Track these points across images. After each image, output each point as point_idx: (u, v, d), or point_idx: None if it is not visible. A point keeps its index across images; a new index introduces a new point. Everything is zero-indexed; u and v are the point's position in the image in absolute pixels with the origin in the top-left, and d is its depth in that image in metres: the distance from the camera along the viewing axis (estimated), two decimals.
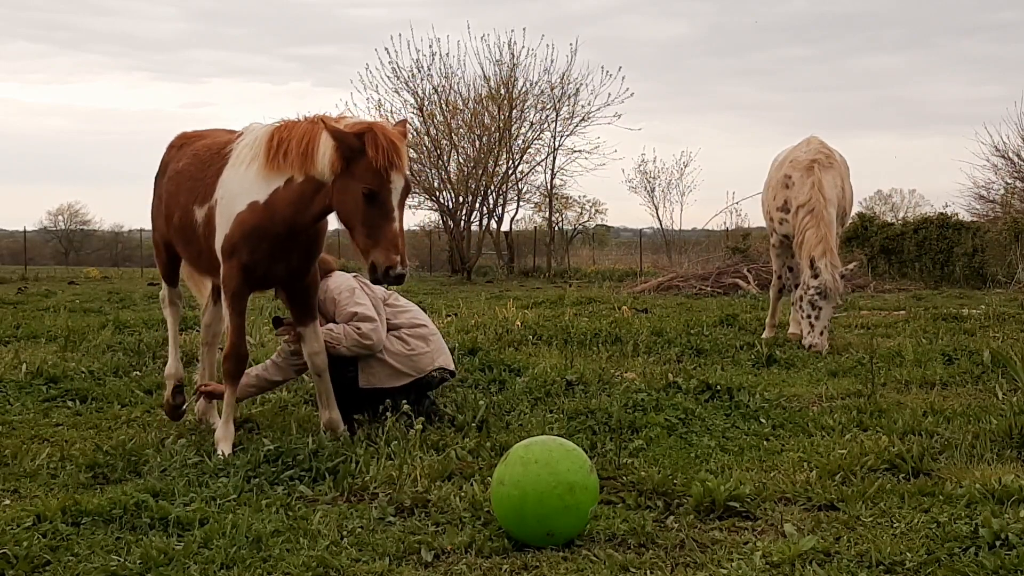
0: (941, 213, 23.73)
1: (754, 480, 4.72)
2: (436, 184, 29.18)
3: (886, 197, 53.70)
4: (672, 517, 4.22)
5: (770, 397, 6.63)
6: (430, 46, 30.79)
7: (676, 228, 40.61)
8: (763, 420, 6.02)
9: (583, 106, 29.77)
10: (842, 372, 7.91)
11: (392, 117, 26.69)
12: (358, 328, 5.83)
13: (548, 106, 29.42)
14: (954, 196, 76.46)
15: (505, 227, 32.44)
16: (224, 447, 5.29)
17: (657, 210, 40.66)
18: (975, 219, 25.11)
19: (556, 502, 3.86)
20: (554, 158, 30.77)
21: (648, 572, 3.65)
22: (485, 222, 30.56)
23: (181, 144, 6.16)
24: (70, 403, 6.92)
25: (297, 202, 5.17)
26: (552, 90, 29.10)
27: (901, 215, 41.69)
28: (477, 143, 29.07)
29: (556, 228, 35.24)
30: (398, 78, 28.52)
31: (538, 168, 31.44)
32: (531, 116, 29.55)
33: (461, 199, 29.29)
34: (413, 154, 28.78)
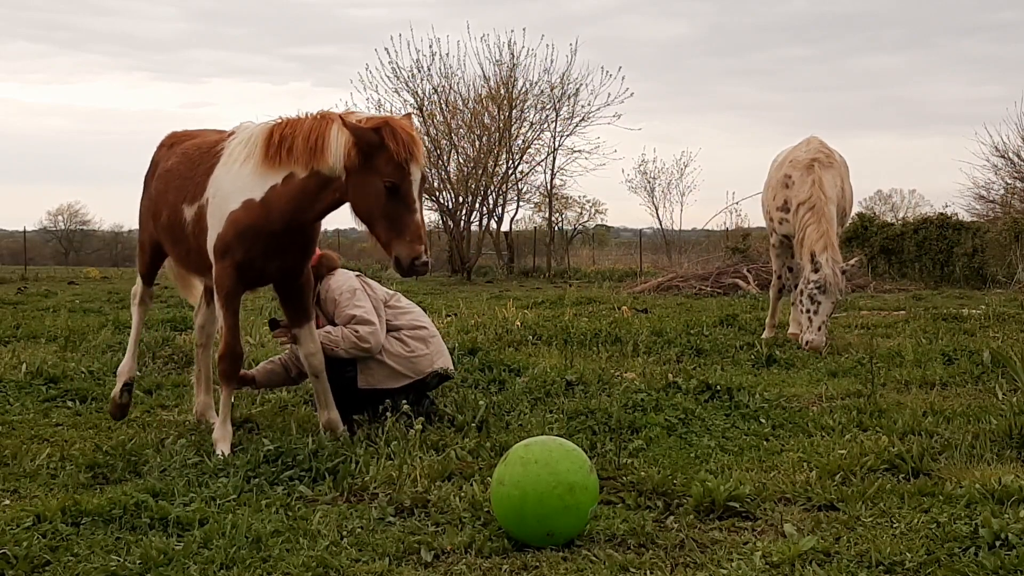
0: (941, 213, 23.70)
1: (754, 480, 4.72)
2: (436, 184, 29.13)
3: (886, 197, 53.70)
4: (672, 517, 4.22)
5: (770, 397, 6.63)
6: (430, 46, 30.73)
7: (676, 228, 40.61)
8: (763, 420, 6.02)
9: (583, 106, 29.73)
10: (842, 372, 7.91)
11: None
12: (356, 331, 5.83)
13: (548, 106, 29.39)
14: (954, 196, 76.46)
15: (505, 227, 32.42)
16: (223, 447, 5.29)
17: (657, 210, 40.67)
18: (975, 219, 25.10)
19: (556, 502, 3.86)
20: (554, 158, 30.75)
21: (648, 572, 3.65)
22: (485, 222, 30.54)
23: (171, 143, 6.15)
24: (70, 403, 6.92)
25: (298, 198, 5.18)
26: (552, 90, 29.06)
27: (901, 215, 41.67)
28: (477, 143, 29.04)
29: (556, 228, 35.20)
30: (398, 78, 28.49)
31: (538, 168, 31.40)
32: (531, 116, 29.52)
33: (461, 199, 29.26)
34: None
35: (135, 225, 6.82)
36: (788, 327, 10.27)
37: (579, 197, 37.94)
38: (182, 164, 5.80)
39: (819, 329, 9.20)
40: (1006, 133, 41.33)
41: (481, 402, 6.16)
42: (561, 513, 3.88)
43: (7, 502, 4.49)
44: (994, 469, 4.82)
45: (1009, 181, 26.69)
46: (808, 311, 9.29)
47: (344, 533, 4.02)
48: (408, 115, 5.33)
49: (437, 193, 29.28)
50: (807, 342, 9.15)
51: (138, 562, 3.65)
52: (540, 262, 32.65)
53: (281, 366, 6.26)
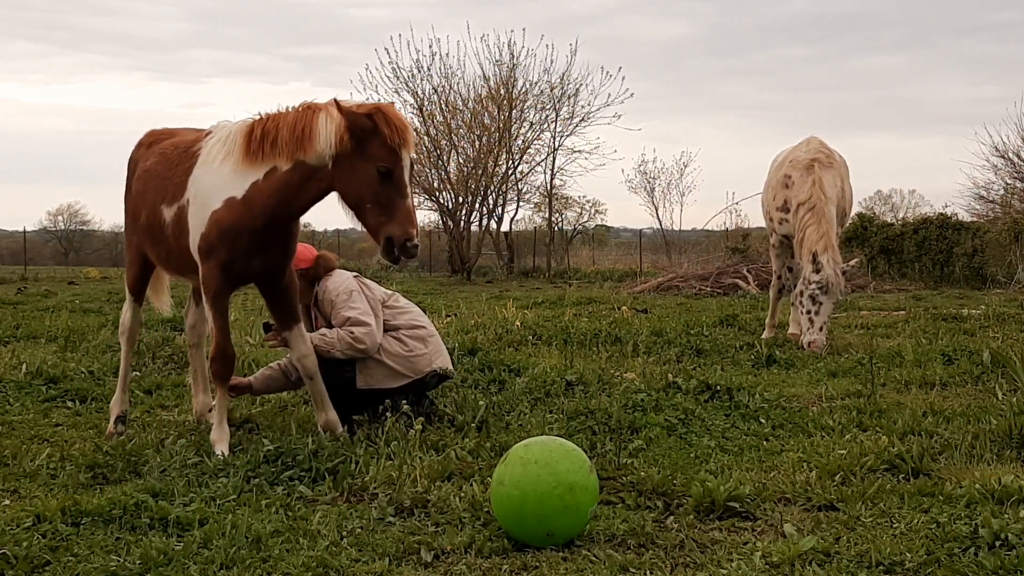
0: (941, 213, 23.70)
1: (754, 480, 4.72)
2: (436, 184, 29.15)
3: (886, 197, 53.73)
4: (672, 517, 4.22)
5: (770, 397, 6.63)
6: (430, 46, 30.79)
7: (676, 228, 40.65)
8: (763, 420, 6.02)
9: (583, 106, 29.73)
10: (842, 372, 7.91)
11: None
12: (352, 332, 5.83)
13: (548, 106, 29.39)
14: (954, 196, 76.52)
15: (505, 227, 32.42)
16: (221, 447, 5.28)
17: (657, 210, 40.72)
18: (975, 219, 25.10)
19: (556, 502, 3.86)
20: (554, 158, 30.75)
21: (648, 572, 3.65)
22: (485, 222, 30.53)
23: (150, 142, 6.12)
24: (70, 403, 6.92)
25: (281, 191, 5.19)
26: (552, 90, 29.06)
27: (901, 215, 41.67)
28: (477, 143, 29.03)
29: (556, 228, 35.20)
30: (398, 78, 28.49)
31: (538, 168, 31.40)
32: (531, 116, 29.51)
33: (461, 199, 29.25)
34: (413, 154, 28.71)
35: None
36: (788, 327, 10.27)
37: (579, 197, 38.00)
38: (160, 164, 5.79)
39: (820, 330, 9.20)
40: (1006, 133, 41.41)
41: (481, 402, 6.16)
42: (561, 513, 3.87)
43: (7, 502, 4.49)
44: (994, 469, 4.82)
45: (1009, 181, 26.72)
46: (809, 312, 9.28)
47: (344, 533, 4.02)
48: (392, 103, 5.35)
49: (437, 193, 29.28)
50: (809, 343, 9.14)
51: (138, 562, 3.65)
52: (540, 262, 32.65)
53: (280, 371, 6.24)
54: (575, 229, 39.07)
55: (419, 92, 28.51)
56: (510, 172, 29.96)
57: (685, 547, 3.88)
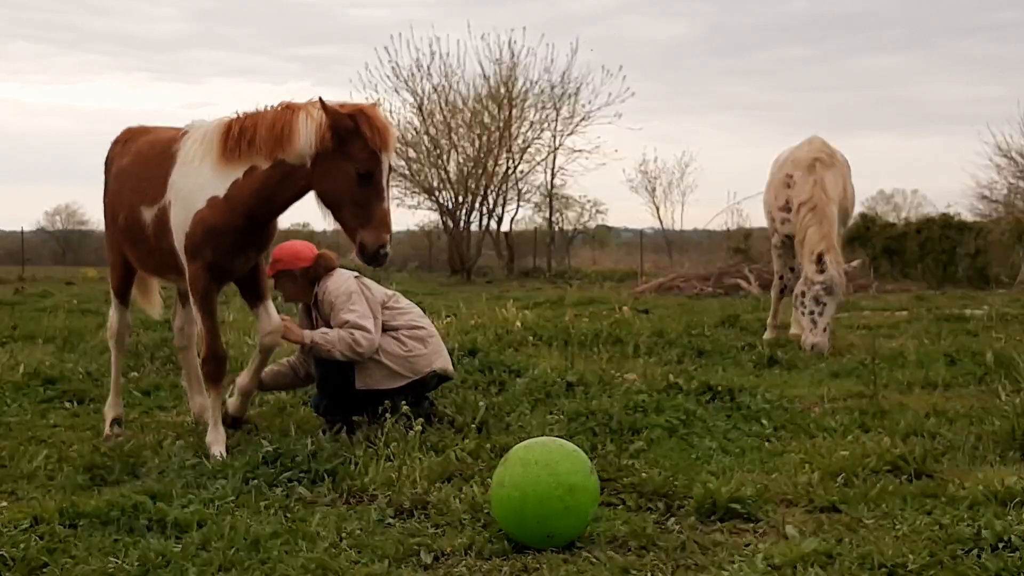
0: (943, 213, 23.72)
1: (755, 482, 4.69)
2: (436, 184, 29.13)
3: (888, 197, 53.54)
4: (673, 519, 4.21)
5: (772, 398, 6.60)
6: (430, 45, 30.63)
7: (677, 228, 40.52)
8: (764, 421, 6.00)
9: (583, 105, 29.64)
10: (844, 373, 7.89)
11: (391, 117, 26.64)
12: (351, 334, 5.81)
13: (548, 105, 29.35)
14: (956, 196, 76.39)
15: (505, 227, 32.35)
16: (219, 448, 5.26)
17: (658, 210, 40.58)
18: (978, 219, 25.09)
19: (556, 504, 3.84)
20: (554, 158, 30.71)
21: (649, 574, 3.64)
22: (485, 222, 30.49)
23: (126, 140, 6.08)
24: (67, 404, 6.91)
25: (261, 190, 5.17)
26: (552, 89, 29.03)
27: (903, 215, 41.61)
28: (477, 143, 29.00)
29: (556, 228, 35.13)
30: (397, 77, 28.47)
31: (538, 168, 31.34)
32: (531, 115, 29.45)
33: (461, 199, 29.23)
34: (412, 153, 28.75)
35: None
36: (790, 328, 10.24)
37: (579, 197, 37.79)
38: (137, 163, 5.75)
39: (823, 331, 9.17)
40: (1009, 133, 41.30)
41: (481, 403, 6.14)
42: (561, 515, 3.86)
43: (4, 504, 4.47)
44: (997, 471, 4.80)
45: (1012, 181, 26.67)
46: (812, 312, 9.24)
47: (343, 535, 4.00)
48: (375, 104, 5.30)
49: (437, 193, 29.27)
50: (812, 345, 9.10)
51: (136, 564, 3.63)
52: (540, 262, 32.62)
53: (289, 368, 6.26)
54: (575, 229, 38.99)
55: (419, 91, 28.52)
56: (510, 172, 29.93)
57: (686, 549, 3.87)
